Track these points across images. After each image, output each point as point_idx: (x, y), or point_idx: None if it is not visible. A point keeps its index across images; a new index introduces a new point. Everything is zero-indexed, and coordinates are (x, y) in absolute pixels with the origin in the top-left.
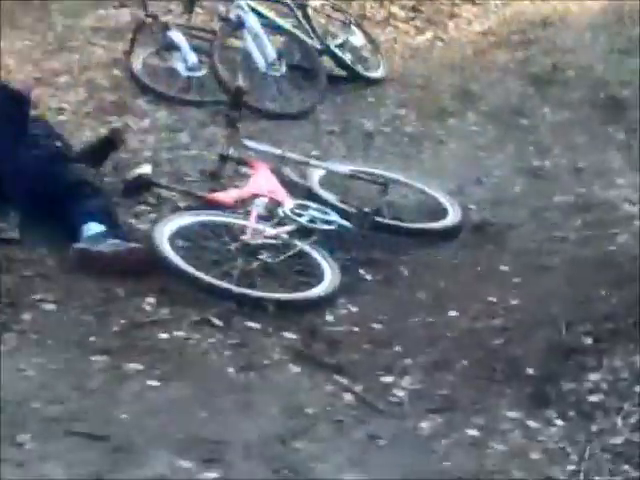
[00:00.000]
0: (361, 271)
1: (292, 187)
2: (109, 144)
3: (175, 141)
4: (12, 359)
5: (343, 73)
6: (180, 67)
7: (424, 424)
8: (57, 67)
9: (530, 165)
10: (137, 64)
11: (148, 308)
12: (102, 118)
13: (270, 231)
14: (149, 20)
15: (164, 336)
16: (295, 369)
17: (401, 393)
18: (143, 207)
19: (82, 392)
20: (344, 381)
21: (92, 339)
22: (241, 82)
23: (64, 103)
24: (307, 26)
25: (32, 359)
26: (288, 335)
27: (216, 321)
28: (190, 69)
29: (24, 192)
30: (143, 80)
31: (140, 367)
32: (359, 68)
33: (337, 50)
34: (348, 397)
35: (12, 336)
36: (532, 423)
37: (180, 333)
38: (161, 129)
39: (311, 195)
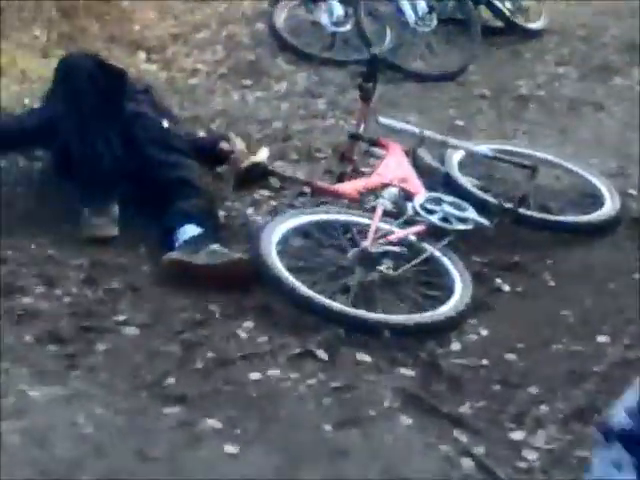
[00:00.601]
0: (497, 280)
1: (428, 172)
2: (216, 160)
3: (311, 108)
4: (71, 408)
5: (500, 24)
6: (325, 21)
7: None
8: (198, 20)
9: None
10: (279, 17)
11: (243, 335)
12: (237, 81)
13: (396, 232)
14: None
15: (255, 377)
16: (406, 421)
17: (532, 455)
18: (264, 192)
19: (142, 460)
20: (463, 439)
21: (170, 381)
22: (386, 42)
23: (199, 63)
24: None
25: (94, 409)
26: (403, 371)
27: (320, 353)
28: (335, 23)
29: (122, 182)
30: (284, 36)
31: (218, 425)
32: (518, 19)
33: None
34: (467, 462)
35: (78, 375)
36: None
37: (275, 372)
38: (297, 94)
39: (449, 181)
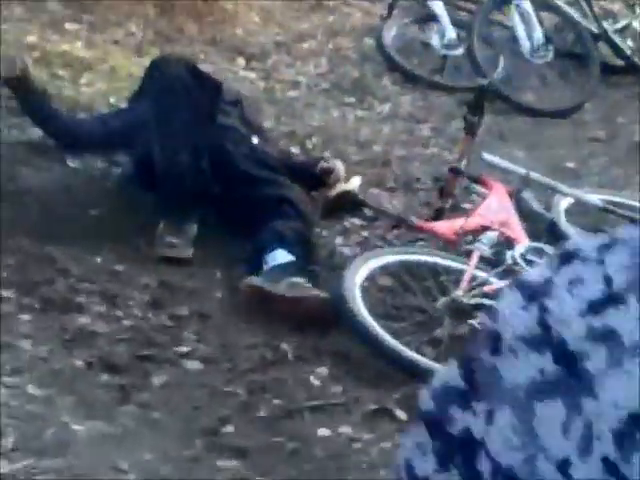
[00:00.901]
0: None
1: (532, 218)
2: (313, 183)
3: (414, 134)
4: (115, 449)
5: (620, 63)
6: (436, 42)
7: None
8: (303, 30)
9: None
10: (389, 35)
11: (316, 383)
12: (338, 98)
13: (492, 283)
14: None
15: (323, 433)
16: None
17: None
18: (355, 221)
19: None
20: None
21: (229, 429)
22: (498, 71)
23: (301, 75)
24: (585, 5)
25: (142, 454)
26: None
27: (398, 412)
28: (446, 46)
29: (204, 199)
30: (392, 54)
31: None
32: None
33: (616, 36)
34: None
35: (128, 411)
36: None
37: (346, 429)
38: (401, 117)
39: (554, 230)
